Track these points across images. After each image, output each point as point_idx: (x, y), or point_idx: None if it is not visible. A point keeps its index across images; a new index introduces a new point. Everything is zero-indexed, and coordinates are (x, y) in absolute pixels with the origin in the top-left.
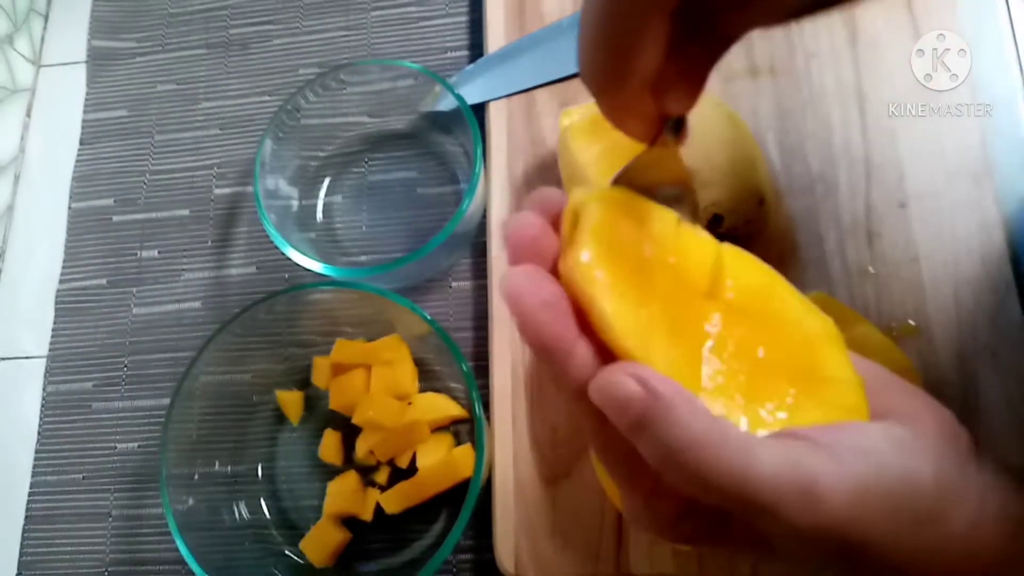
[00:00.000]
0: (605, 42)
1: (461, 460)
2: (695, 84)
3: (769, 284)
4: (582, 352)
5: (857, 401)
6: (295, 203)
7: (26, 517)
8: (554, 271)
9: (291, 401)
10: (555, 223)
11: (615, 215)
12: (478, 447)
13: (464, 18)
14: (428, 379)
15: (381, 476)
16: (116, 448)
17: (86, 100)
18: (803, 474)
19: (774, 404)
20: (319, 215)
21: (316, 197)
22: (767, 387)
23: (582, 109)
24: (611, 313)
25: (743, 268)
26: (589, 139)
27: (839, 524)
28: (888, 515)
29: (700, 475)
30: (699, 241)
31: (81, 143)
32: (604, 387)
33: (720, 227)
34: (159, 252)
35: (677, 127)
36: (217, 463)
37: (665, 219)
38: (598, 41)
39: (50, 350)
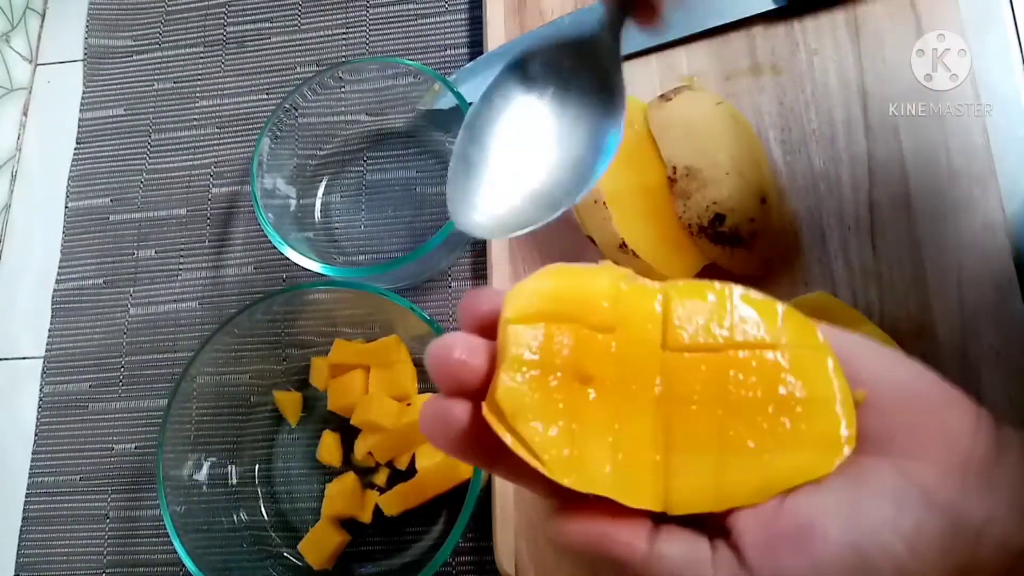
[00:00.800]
0: None
1: (460, 462)
2: None
3: (719, 307)
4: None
5: (831, 430)
6: (293, 202)
7: (23, 519)
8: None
9: (289, 402)
10: (493, 323)
11: (541, 328)
12: None
13: (463, 15)
14: (427, 380)
15: (380, 478)
16: (113, 449)
17: (83, 99)
18: None
19: (751, 446)
20: (317, 214)
21: (314, 196)
22: (741, 429)
23: None
24: (535, 461)
25: (692, 304)
26: None
27: None
28: None
29: None
30: (645, 294)
31: (78, 142)
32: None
33: (722, 226)
34: (156, 252)
35: None
36: (215, 464)
37: (604, 290)
38: None
39: (47, 351)
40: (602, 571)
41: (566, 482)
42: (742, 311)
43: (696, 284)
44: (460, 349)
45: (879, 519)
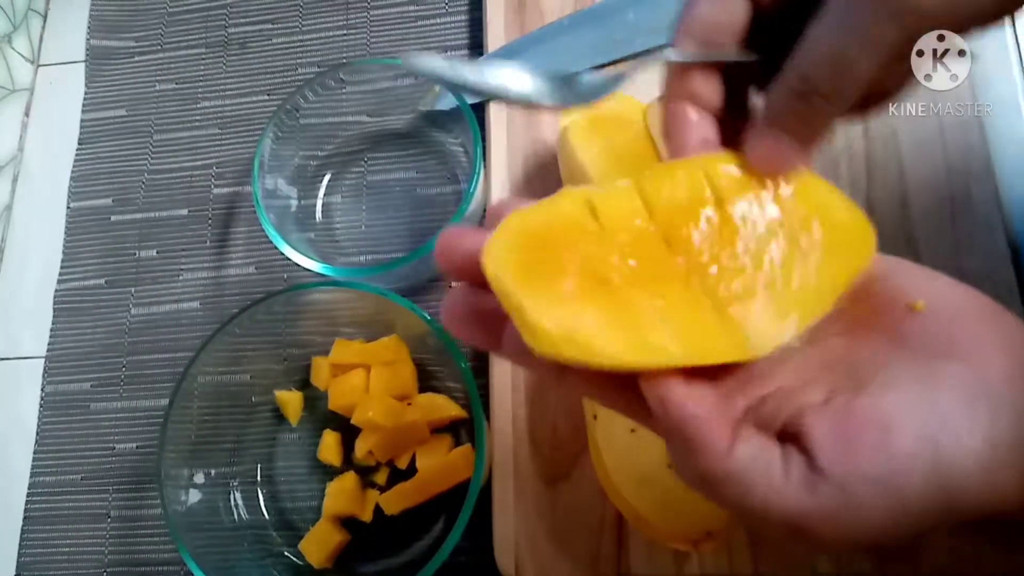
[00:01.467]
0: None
1: (460, 461)
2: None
3: (695, 177)
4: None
5: (855, 222)
6: (294, 203)
7: (24, 518)
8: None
9: (290, 401)
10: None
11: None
12: (478, 448)
13: (464, 17)
14: (427, 379)
15: (380, 477)
16: (115, 448)
17: (85, 99)
18: (793, 512)
19: (795, 272)
20: (318, 215)
21: (315, 197)
22: (775, 264)
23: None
24: (596, 357)
25: (670, 183)
26: (589, 138)
27: (840, 548)
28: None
29: (711, 494)
30: (620, 195)
31: (80, 143)
32: (648, 399)
33: None
34: (158, 252)
35: None
36: (216, 464)
37: (578, 210)
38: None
39: (48, 350)
40: (672, 453)
41: (637, 362)
42: (724, 169)
43: (664, 166)
44: (470, 243)
45: (955, 414)
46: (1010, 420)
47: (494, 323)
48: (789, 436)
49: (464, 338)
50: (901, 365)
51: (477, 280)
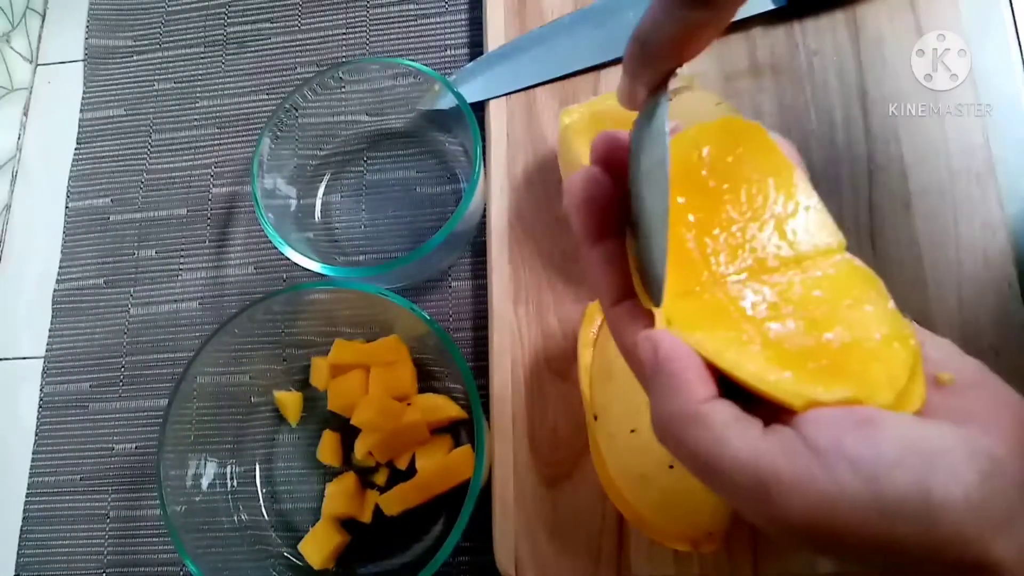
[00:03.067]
0: None
1: (460, 461)
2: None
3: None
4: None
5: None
6: (293, 202)
7: (24, 518)
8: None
9: (289, 402)
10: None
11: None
12: (477, 448)
13: (464, 16)
14: (427, 380)
15: (380, 477)
16: (114, 449)
17: (83, 99)
18: (763, 470)
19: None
20: (317, 214)
21: (314, 196)
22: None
23: (582, 107)
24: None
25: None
26: (590, 137)
27: (800, 528)
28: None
29: (679, 442)
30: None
31: (78, 142)
32: (640, 343)
33: None
34: (156, 252)
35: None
36: (215, 464)
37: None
38: None
39: (47, 351)
40: (647, 392)
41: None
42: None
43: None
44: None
45: (955, 451)
46: (1006, 483)
47: (604, 222)
48: (777, 420)
49: (575, 214)
50: None
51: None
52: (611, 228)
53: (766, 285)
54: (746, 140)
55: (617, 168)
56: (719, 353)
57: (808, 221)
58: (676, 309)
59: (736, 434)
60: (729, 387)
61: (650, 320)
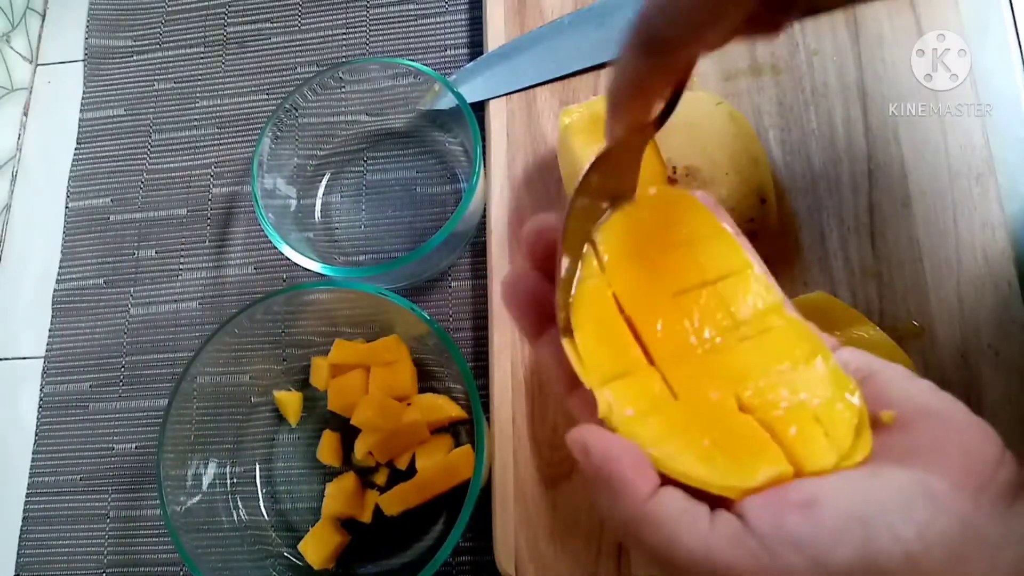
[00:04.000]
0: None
1: (460, 461)
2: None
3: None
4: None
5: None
6: (293, 202)
7: (24, 518)
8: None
9: (289, 402)
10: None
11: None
12: (478, 448)
13: (464, 16)
14: (427, 379)
15: (380, 477)
16: (114, 449)
17: (83, 99)
18: (718, 565)
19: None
20: (317, 214)
21: (314, 196)
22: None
23: (583, 107)
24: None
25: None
26: (590, 137)
27: None
28: None
29: (635, 542)
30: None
31: (78, 142)
32: (568, 444)
33: None
34: (156, 252)
35: (666, 113)
36: (215, 464)
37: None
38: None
39: (47, 350)
40: (596, 500)
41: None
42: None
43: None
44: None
45: (890, 505)
46: (949, 525)
47: (543, 316)
48: (722, 504)
49: (513, 315)
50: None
51: (544, 267)
52: (553, 318)
53: (702, 360)
54: (681, 210)
55: (548, 257)
56: (652, 446)
57: (745, 286)
58: (614, 394)
59: (685, 529)
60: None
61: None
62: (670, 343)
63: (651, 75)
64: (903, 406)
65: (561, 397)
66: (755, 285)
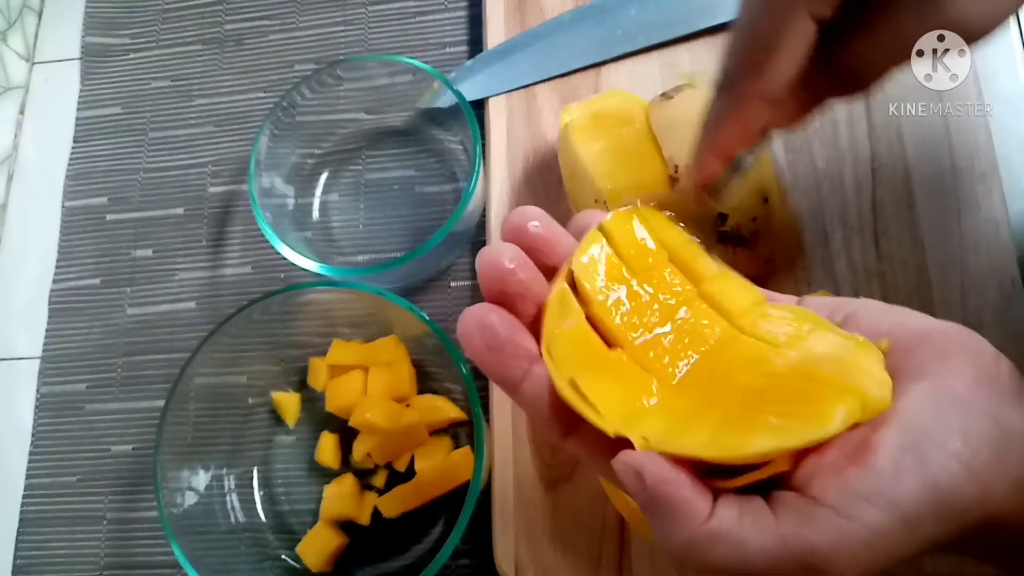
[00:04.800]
0: (751, 40)
1: (460, 463)
2: (806, 110)
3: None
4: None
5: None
6: (291, 201)
7: (20, 520)
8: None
9: (287, 403)
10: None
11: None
12: (477, 450)
13: (463, 13)
14: (426, 381)
15: (379, 479)
16: (110, 450)
17: (80, 97)
18: (798, 549)
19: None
20: (315, 214)
21: (312, 195)
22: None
23: (583, 105)
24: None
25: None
26: (590, 136)
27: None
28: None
29: (704, 565)
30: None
31: (75, 141)
32: (618, 471)
33: (724, 225)
34: (153, 251)
35: (736, 168)
36: (212, 465)
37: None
38: (745, 40)
39: (44, 351)
40: (656, 528)
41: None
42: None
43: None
44: (510, 259)
45: (928, 425)
46: (983, 424)
47: (518, 358)
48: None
49: (479, 364)
50: None
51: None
52: (529, 356)
53: (709, 363)
54: (653, 226)
55: (508, 290)
56: (703, 446)
57: (726, 289)
58: (641, 424)
59: (751, 531)
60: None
61: (609, 440)
62: (671, 361)
63: (732, 110)
64: (894, 333)
65: (555, 440)
66: (735, 287)
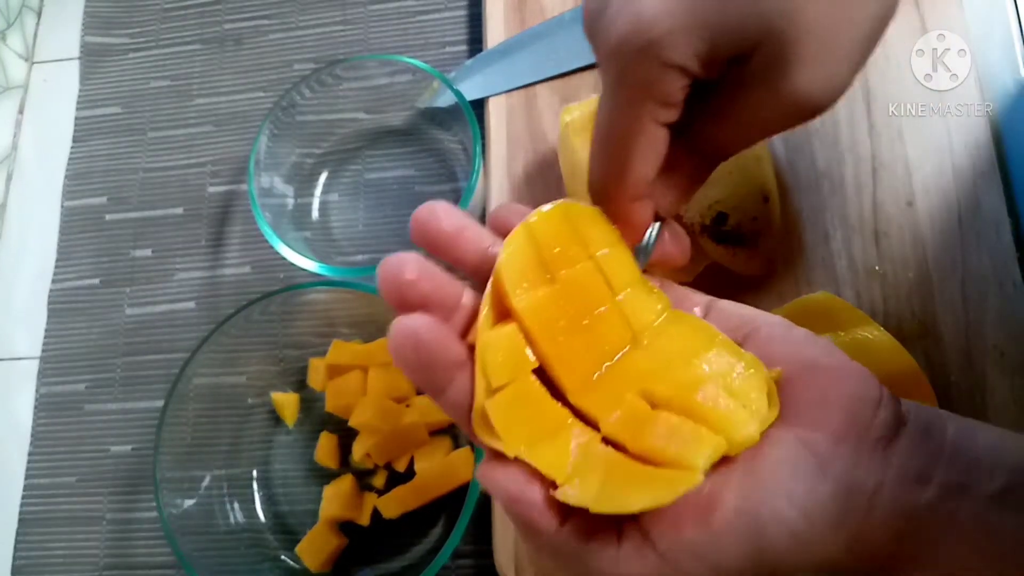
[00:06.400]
0: (608, 151)
1: (460, 463)
2: (684, 191)
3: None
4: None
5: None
6: (290, 201)
7: (19, 520)
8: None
9: (286, 403)
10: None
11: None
12: (477, 450)
13: (463, 12)
14: None
15: (378, 480)
16: (110, 451)
17: (79, 97)
18: None
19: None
20: (315, 213)
21: (312, 195)
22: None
23: (583, 105)
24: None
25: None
26: (590, 136)
27: None
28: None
29: (557, 562)
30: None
31: (74, 140)
32: (482, 484)
33: (724, 225)
34: (152, 251)
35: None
36: (212, 466)
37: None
38: (603, 151)
39: (43, 351)
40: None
41: (509, 449)
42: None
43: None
44: (411, 271)
45: (775, 488)
46: (830, 492)
47: (442, 375)
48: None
49: (409, 377)
50: None
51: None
52: (458, 365)
53: (610, 378)
54: (582, 224)
55: (409, 301)
56: (593, 501)
57: (638, 295)
58: (540, 459)
59: (596, 555)
60: None
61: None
62: (581, 371)
63: (611, 214)
64: (787, 362)
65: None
66: (644, 297)
